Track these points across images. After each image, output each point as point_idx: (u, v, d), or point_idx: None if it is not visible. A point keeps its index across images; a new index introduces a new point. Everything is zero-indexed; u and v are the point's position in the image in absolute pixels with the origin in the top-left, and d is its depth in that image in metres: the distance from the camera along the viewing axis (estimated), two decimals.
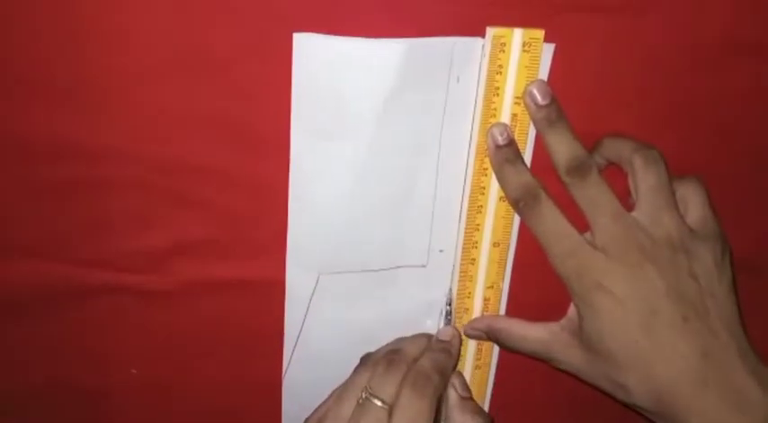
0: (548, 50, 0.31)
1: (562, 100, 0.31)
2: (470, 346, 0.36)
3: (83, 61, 0.29)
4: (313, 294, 0.34)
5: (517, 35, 0.30)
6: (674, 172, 0.33)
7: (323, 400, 0.35)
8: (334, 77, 0.30)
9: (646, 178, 0.31)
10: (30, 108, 0.29)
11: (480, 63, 0.31)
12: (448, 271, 0.35)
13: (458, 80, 0.31)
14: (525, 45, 0.30)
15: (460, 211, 0.34)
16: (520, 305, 0.36)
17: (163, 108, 0.30)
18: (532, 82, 0.31)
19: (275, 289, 0.34)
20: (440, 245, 0.34)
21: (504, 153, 0.31)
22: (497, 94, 0.31)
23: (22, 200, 0.31)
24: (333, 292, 0.34)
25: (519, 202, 0.31)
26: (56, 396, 0.32)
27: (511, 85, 0.31)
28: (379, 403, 0.29)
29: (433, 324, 0.36)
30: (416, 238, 0.34)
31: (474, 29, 0.30)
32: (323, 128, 0.31)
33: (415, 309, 0.36)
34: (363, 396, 0.29)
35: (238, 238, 0.33)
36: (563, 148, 0.31)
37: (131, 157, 0.31)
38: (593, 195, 0.31)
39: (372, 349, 0.34)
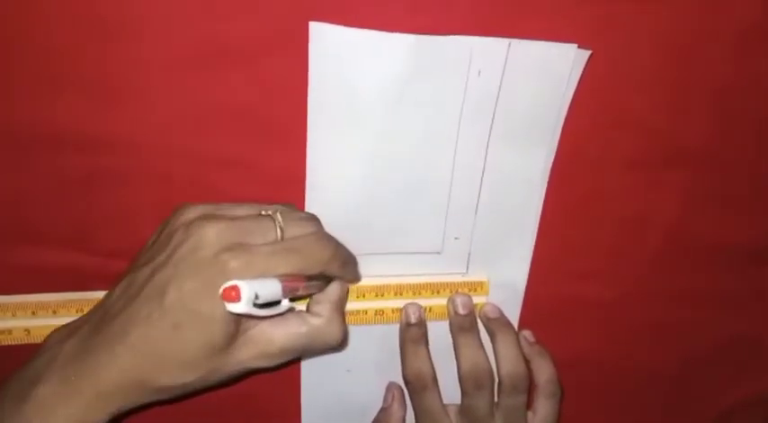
0: (581, 56, 0.30)
1: (585, 89, 0.31)
2: None
3: (103, 54, 0.28)
4: None
5: None
6: (693, 160, 0.33)
7: (340, 378, 0.37)
8: (349, 67, 0.30)
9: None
10: (54, 102, 0.29)
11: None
12: (463, 258, 0.35)
13: (479, 73, 0.30)
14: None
15: (477, 199, 0.34)
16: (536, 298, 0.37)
17: (182, 100, 0.30)
18: (458, 293, 0.35)
19: None
20: (455, 232, 0.34)
21: (412, 332, 0.35)
22: None
23: (48, 191, 0.31)
24: None
25: (409, 384, 0.35)
26: None
27: None
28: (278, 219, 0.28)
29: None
30: (432, 225, 0.34)
31: (493, 22, 0.29)
32: (339, 117, 0.31)
33: None
34: (263, 213, 0.28)
35: None
36: (469, 357, 0.34)
37: (151, 148, 0.31)
38: (480, 406, 0.34)
39: (386, 329, 0.35)
